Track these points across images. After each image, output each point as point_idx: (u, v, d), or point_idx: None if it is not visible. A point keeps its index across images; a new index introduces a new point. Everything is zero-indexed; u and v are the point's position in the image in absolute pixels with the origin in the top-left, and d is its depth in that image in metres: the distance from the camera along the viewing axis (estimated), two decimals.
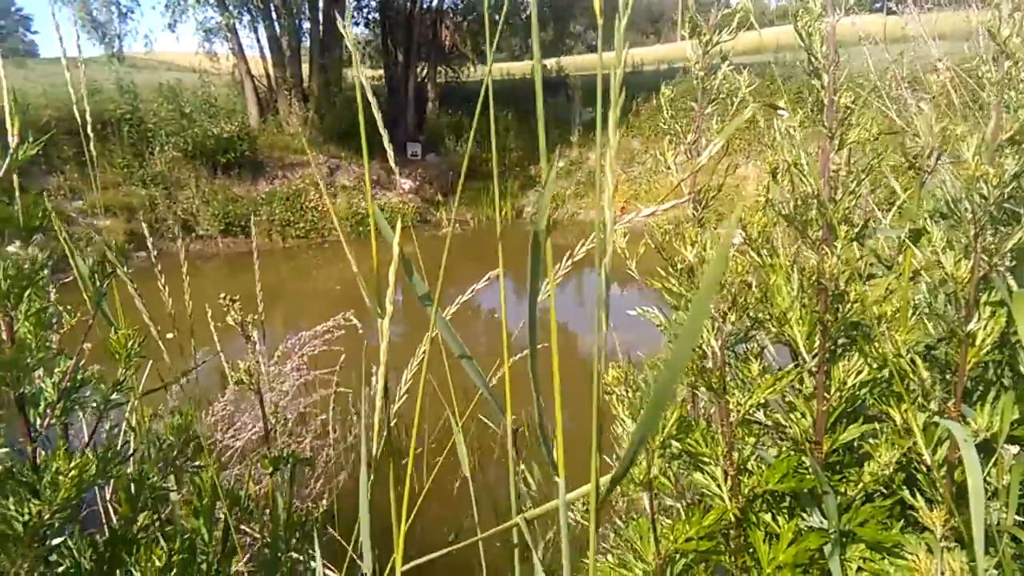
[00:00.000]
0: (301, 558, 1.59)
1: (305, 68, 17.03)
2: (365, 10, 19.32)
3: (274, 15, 15.83)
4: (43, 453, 1.04)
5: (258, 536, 1.47)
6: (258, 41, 16.70)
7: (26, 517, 0.90)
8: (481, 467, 5.47)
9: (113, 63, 16.52)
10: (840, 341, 1.37)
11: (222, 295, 1.47)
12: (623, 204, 15.46)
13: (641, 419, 0.53)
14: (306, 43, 17.23)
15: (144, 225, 1.91)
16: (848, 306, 1.18)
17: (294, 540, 1.49)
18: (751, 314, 1.31)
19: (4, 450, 0.90)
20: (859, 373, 1.21)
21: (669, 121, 1.28)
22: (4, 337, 0.95)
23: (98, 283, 1.00)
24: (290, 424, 3.25)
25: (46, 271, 1.02)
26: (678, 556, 1.28)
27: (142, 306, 1.29)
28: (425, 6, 18.17)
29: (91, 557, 1.06)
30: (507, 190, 17.09)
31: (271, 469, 1.47)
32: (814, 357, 1.24)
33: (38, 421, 1.01)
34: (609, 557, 1.37)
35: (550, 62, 20.47)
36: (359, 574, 2.07)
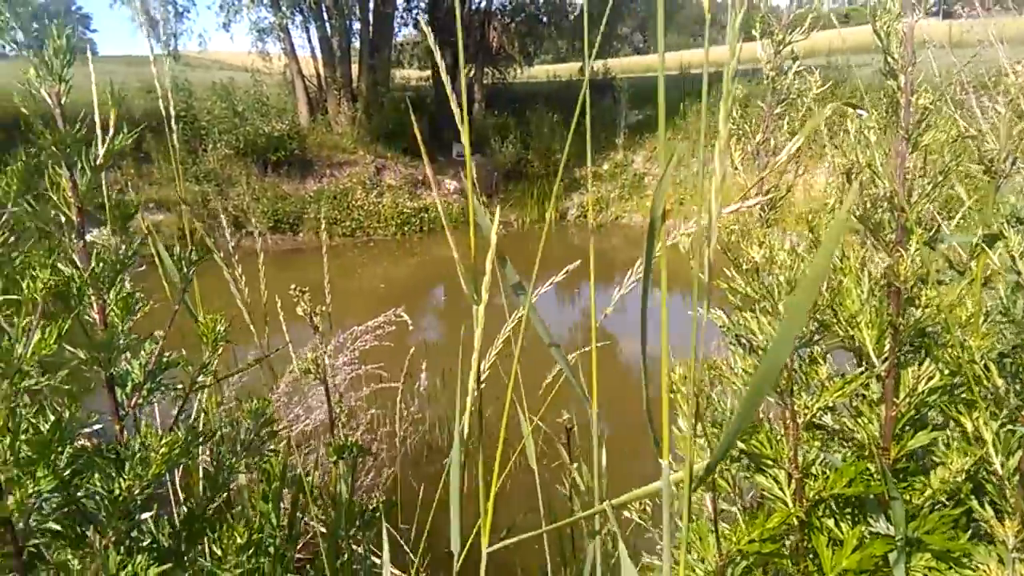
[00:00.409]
0: (359, 549, 1.62)
1: (354, 68, 17.26)
2: (414, 11, 19.57)
3: (325, 15, 16.09)
4: (126, 433, 1.08)
5: (321, 523, 1.50)
6: (309, 41, 17.00)
7: (116, 492, 0.94)
8: (526, 466, 5.49)
9: (168, 61, 16.93)
10: (905, 348, 1.35)
11: (293, 287, 1.51)
12: (667, 207, 15.32)
13: (736, 416, 0.53)
14: (355, 43, 17.47)
15: (223, 219, 1.96)
16: (921, 310, 1.16)
17: (354, 529, 1.52)
18: (818, 317, 1.30)
19: (97, 426, 0.94)
20: (930, 379, 1.19)
21: (739, 121, 1.28)
22: (97, 320, 0.99)
23: (184, 270, 1.04)
24: (343, 417, 3.30)
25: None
26: (739, 558, 1.28)
27: (236, 291, 1.33)
28: (474, 7, 18.30)
29: (168, 535, 1.10)
30: (550, 192, 17.09)
31: (335, 457, 1.50)
32: (884, 361, 1.23)
33: (125, 401, 1.05)
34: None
35: (596, 64, 20.42)
36: (408, 562, 2.08)
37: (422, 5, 19.35)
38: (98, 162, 0.98)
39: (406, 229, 15.41)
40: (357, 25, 17.11)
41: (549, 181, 17.25)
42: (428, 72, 19.78)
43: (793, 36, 1.27)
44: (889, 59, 1.12)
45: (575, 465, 1.82)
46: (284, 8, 15.58)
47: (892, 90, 1.15)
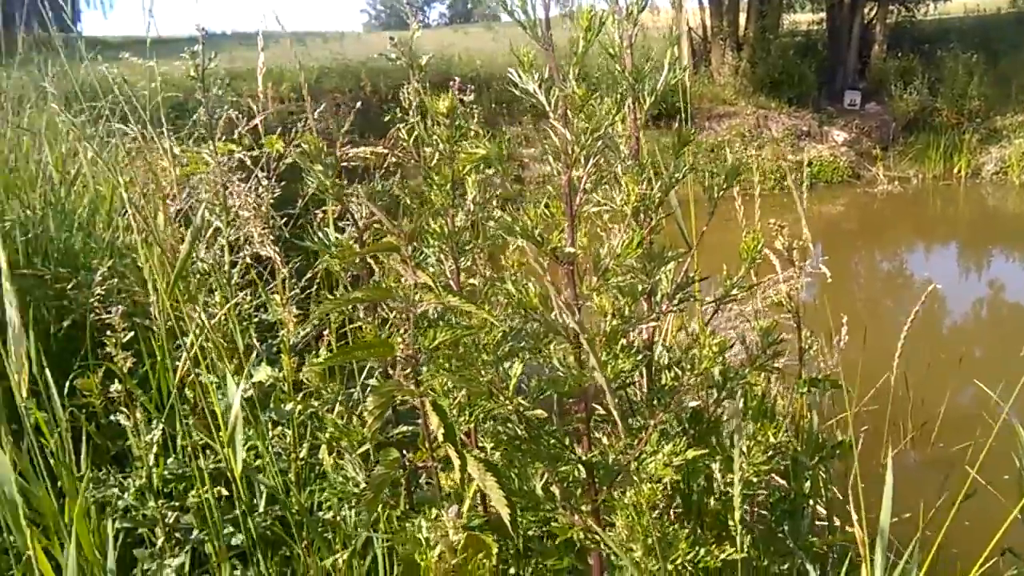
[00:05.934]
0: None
1: (742, 17, 16.73)
2: None
3: None
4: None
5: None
6: None
7: (664, 382, 1.10)
8: (915, 445, 5.01)
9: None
10: None
11: (771, 221, 1.57)
12: None
13: None
14: None
15: None
16: None
17: (819, 458, 1.57)
18: None
19: (648, 324, 1.10)
20: None
21: None
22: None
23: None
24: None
25: None
26: None
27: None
28: None
29: (683, 429, 1.25)
30: (962, 145, 14.85)
31: (806, 388, 1.55)
32: None
33: (657, 307, 1.21)
34: None
35: None
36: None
37: None
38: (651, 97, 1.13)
39: (784, 184, 14.70)
40: None
41: (960, 132, 14.98)
42: (822, 15, 18.32)
43: None
44: None
45: None
46: None
47: None
